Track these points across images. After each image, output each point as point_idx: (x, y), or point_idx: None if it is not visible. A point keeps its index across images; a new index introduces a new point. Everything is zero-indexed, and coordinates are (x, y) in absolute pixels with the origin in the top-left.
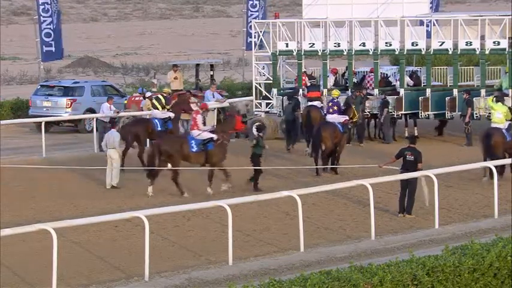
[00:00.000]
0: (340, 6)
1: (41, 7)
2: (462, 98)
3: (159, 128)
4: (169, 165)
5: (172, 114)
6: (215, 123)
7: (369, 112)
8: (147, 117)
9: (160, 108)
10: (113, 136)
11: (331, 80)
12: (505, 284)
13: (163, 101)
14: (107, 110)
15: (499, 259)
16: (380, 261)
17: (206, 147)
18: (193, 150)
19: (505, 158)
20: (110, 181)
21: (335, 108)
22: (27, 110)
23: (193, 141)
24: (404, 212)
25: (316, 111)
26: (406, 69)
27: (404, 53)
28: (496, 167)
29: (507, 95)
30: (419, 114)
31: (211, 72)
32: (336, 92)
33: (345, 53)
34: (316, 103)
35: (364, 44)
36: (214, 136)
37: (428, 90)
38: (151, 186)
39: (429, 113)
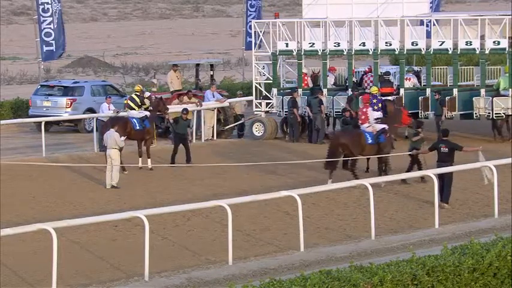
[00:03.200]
0: (340, 6)
1: (41, 7)
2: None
3: (137, 127)
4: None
5: (148, 113)
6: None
7: None
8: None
9: (137, 108)
10: (112, 136)
11: (331, 80)
12: (504, 283)
13: (137, 100)
14: (106, 109)
15: (498, 259)
16: (380, 261)
17: (379, 140)
18: (369, 142)
19: None
20: (109, 181)
21: (379, 105)
22: (27, 110)
23: (367, 134)
24: (442, 201)
25: (391, 104)
26: (414, 68)
27: (404, 52)
28: None
29: (507, 96)
30: (419, 114)
31: (211, 72)
32: (375, 89)
33: (345, 53)
34: (389, 98)
35: (364, 44)
36: (386, 126)
37: (428, 90)
38: (331, 179)
39: (429, 112)
